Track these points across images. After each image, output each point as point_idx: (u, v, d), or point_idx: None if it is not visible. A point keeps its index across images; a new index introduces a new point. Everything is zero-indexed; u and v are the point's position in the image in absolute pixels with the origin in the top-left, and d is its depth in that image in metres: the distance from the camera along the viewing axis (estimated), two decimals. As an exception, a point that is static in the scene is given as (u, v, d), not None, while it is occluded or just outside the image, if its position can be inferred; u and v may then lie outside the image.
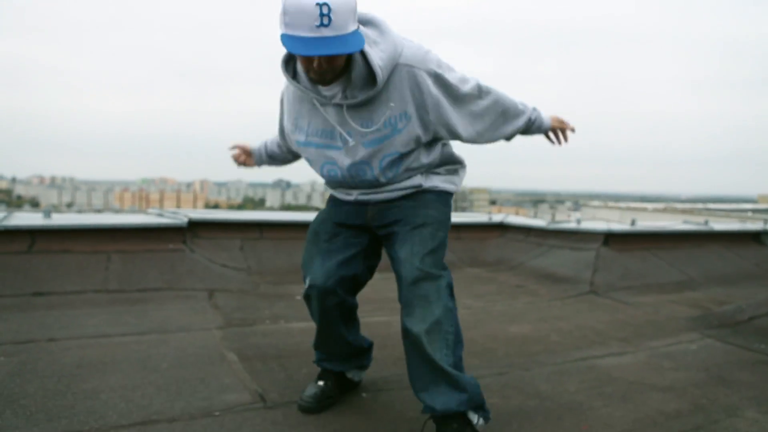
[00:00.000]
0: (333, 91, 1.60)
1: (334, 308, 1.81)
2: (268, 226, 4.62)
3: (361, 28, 1.54)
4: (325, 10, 1.38)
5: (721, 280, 4.51)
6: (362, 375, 2.10)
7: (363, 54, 1.55)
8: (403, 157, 1.69)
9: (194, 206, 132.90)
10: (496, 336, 2.82)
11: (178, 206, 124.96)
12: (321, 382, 1.95)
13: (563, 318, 3.23)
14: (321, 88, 1.61)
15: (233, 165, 2.17)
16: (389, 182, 1.73)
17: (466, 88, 1.68)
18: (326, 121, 1.66)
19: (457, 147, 1.91)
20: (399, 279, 1.70)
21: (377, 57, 1.55)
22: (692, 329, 3.03)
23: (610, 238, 4.72)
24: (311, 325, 2.80)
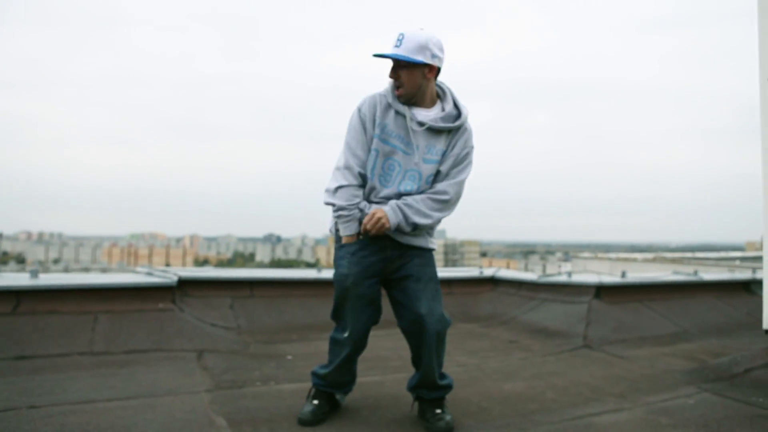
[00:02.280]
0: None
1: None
2: (259, 283, 4.59)
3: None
4: (400, 38, 2.12)
5: (715, 330, 4.49)
6: (345, 398, 2.49)
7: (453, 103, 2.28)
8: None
9: (183, 262, 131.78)
10: (491, 395, 2.77)
11: (168, 262, 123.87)
12: (315, 401, 2.34)
13: (558, 374, 3.18)
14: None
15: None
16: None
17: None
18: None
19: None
20: None
21: (464, 109, 2.27)
22: (689, 383, 3.00)
23: (601, 290, 4.72)
24: (302, 386, 2.76)
